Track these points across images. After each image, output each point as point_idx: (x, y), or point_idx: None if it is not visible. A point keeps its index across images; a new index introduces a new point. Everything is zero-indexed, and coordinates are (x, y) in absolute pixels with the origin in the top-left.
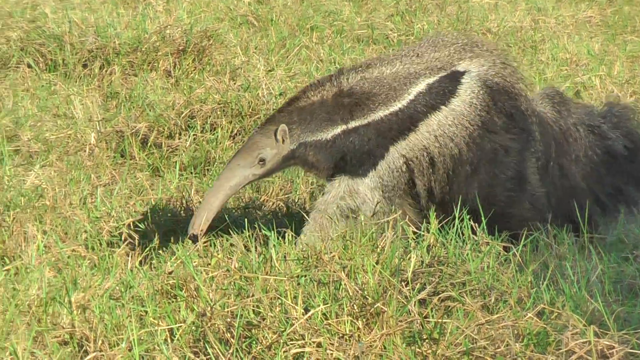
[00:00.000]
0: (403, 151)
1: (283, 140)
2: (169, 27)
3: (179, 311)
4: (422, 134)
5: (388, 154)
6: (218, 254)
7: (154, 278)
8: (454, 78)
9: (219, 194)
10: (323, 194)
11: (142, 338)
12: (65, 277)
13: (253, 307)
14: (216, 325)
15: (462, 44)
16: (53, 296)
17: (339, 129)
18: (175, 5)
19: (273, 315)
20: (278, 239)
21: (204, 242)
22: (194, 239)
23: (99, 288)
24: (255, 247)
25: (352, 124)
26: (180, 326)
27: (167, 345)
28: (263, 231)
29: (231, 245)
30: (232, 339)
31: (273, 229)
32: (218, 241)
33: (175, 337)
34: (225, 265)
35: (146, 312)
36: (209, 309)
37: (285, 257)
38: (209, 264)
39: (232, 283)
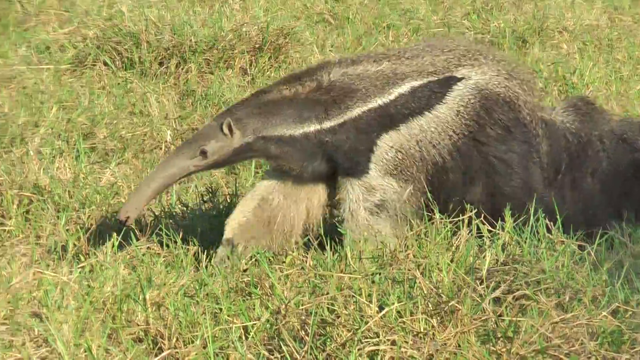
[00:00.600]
0: (390, 143)
1: (231, 134)
2: (245, 24)
3: (254, 309)
4: (404, 135)
5: (377, 147)
6: (293, 252)
7: (228, 276)
8: (445, 84)
9: (153, 182)
10: (341, 207)
11: (216, 335)
12: (140, 275)
13: (327, 305)
14: (291, 323)
15: (464, 51)
16: (128, 293)
17: (312, 127)
18: (251, 3)
19: (347, 313)
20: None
21: None
22: (121, 224)
23: (173, 285)
24: (330, 246)
25: (327, 124)
26: (255, 324)
27: (242, 342)
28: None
29: (305, 244)
30: (306, 337)
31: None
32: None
33: (249, 334)
34: (300, 263)
35: (221, 309)
36: (284, 306)
37: (360, 255)
38: (284, 262)
39: (307, 281)
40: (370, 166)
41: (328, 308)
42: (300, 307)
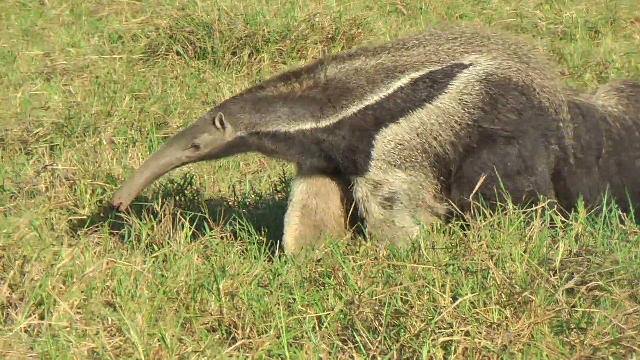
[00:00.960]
0: (389, 137)
1: (223, 128)
2: (318, 14)
3: (327, 299)
4: (404, 128)
5: (376, 142)
6: (366, 242)
7: (302, 266)
8: (448, 73)
9: (146, 170)
10: (357, 210)
11: (290, 325)
12: (213, 264)
13: (401, 295)
14: (364, 313)
15: (470, 37)
16: (201, 283)
17: (307, 125)
18: None
19: (421, 303)
20: None
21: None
22: (114, 210)
23: (247, 275)
24: None
25: (323, 123)
26: (328, 314)
27: (315, 332)
28: None
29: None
30: (380, 327)
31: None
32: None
33: (323, 324)
34: (374, 253)
35: (294, 299)
36: (357, 296)
37: (433, 245)
38: (357, 252)
39: (380, 271)
40: (370, 163)
41: (401, 298)
42: (374, 298)
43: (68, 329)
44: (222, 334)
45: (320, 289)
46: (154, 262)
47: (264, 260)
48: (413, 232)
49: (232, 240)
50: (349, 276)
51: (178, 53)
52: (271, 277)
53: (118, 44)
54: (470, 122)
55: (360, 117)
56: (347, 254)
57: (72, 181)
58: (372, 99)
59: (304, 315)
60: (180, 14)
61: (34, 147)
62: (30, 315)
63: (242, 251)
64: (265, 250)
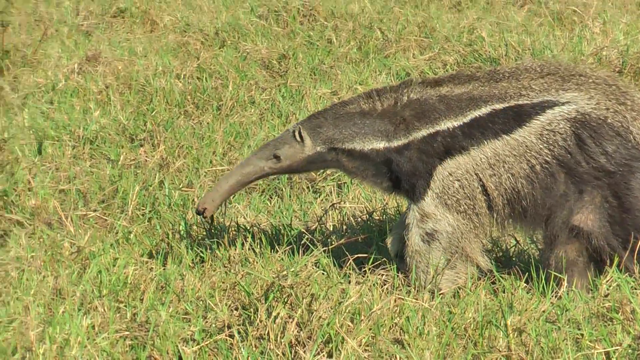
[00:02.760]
0: (450, 169)
1: (302, 141)
2: (605, 48)
3: (615, 334)
4: (474, 159)
5: (437, 172)
6: None
7: (590, 301)
8: (535, 108)
9: (230, 179)
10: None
11: None
12: (501, 301)
13: None
14: None
15: (568, 74)
16: (489, 319)
17: (380, 144)
18: (611, 27)
19: None
20: None
21: None
22: (199, 214)
23: (535, 311)
24: None
25: (395, 143)
26: (617, 349)
27: None
28: None
29: None
30: None
31: None
32: None
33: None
34: None
35: (582, 334)
36: None
37: None
38: None
39: None
40: (427, 192)
41: None
42: None
43: None
44: None
45: (608, 324)
46: (441, 298)
47: (552, 296)
48: (453, 276)
49: (519, 275)
50: (637, 310)
51: None
52: (559, 313)
53: None
54: (548, 159)
55: (429, 140)
56: (635, 289)
57: (358, 218)
58: (444, 125)
59: (592, 350)
60: (467, 49)
61: (322, 186)
62: (318, 354)
63: (529, 288)
64: (552, 285)
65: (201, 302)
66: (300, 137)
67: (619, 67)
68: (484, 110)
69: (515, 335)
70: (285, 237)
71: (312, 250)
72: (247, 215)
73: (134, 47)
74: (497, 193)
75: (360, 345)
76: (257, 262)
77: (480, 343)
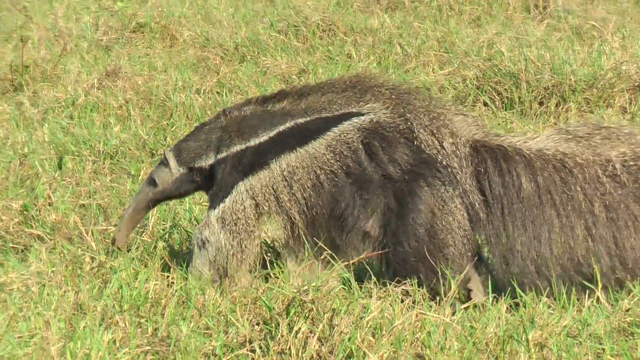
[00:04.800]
0: (247, 186)
1: (168, 164)
2: (624, 63)
3: (636, 349)
4: (272, 172)
5: (236, 187)
6: None
7: (611, 315)
8: (334, 121)
9: (129, 209)
10: None
11: None
12: (522, 315)
13: None
14: None
15: (366, 86)
16: (510, 334)
17: (212, 160)
18: (631, 42)
19: None
20: None
21: None
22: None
23: (556, 326)
24: None
25: (219, 156)
26: None
27: None
28: None
29: None
30: None
31: None
32: None
33: None
34: None
35: (603, 349)
36: None
37: None
38: None
39: None
40: (220, 204)
41: None
42: None
43: None
44: None
45: (630, 339)
46: (462, 313)
47: (573, 310)
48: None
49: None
50: None
51: (485, 104)
52: (580, 328)
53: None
54: (334, 170)
55: (240, 156)
56: None
57: None
58: (253, 141)
59: None
60: (487, 64)
61: None
62: None
63: (550, 303)
64: (573, 300)
65: (222, 317)
66: (167, 160)
67: (638, 82)
68: (288, 124)
69: (537, 350)
70: (306, 252)
71: (333, 264)
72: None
73: (154, 62)
74: (290, 205)
75: None
76: (278, 277)
77: (502, 358)
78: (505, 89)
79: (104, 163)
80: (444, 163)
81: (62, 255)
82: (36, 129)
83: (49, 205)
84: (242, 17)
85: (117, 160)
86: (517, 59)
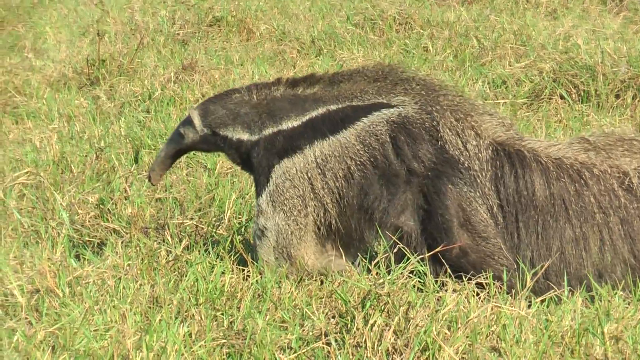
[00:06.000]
0: (285, 168)
1: (193, 122)
2: None
3: None
4: (306, 158)
5: (274, 170)
6: None
7: None
8: (364, 110)
9: (161, 151)
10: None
11: None
12: (598, 308)
13: None
14: None
15: (397, 78)
16: (586, 327)
17: (244, 137)
18: None
19: None
20: None
21: None
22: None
23: (631, 319)
24: None
25: (252, 138)
26: None
27: None
28: None
29: None
30: None
31: None
32: None
33: None
34: None
35: None
36: None
37: None
38: None
39: None
40: (265, 189)
41: None
42: None
43: None
44: None
45: None
46: (538, 306)
47: None
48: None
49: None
50: None
51: (562, 97)
52: None
53: (502, 89)
54: (363, 160)
55: (273, 139)
56: None
57: None
58: (285, 125)
59: None
60: (563, 57)
61: None
62: None
63: (626, 296)
64: None
65: (298, 310)
66: (192, 118)
67: None
68: (320, 111)
69: (612, 343)
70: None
71: (408, 258)
72: None
73: (230, 56)
74: (324, 192)
75: (457, 353)
76: (353, 271)
77: (577, 351)
78: (581, 82)
79: None
80: (466, 165)
81: (138, 248)
82: (113, 122)
83: (125, 199)
84: (319, 11)
85: (194, 154)
86: (593, 51)
